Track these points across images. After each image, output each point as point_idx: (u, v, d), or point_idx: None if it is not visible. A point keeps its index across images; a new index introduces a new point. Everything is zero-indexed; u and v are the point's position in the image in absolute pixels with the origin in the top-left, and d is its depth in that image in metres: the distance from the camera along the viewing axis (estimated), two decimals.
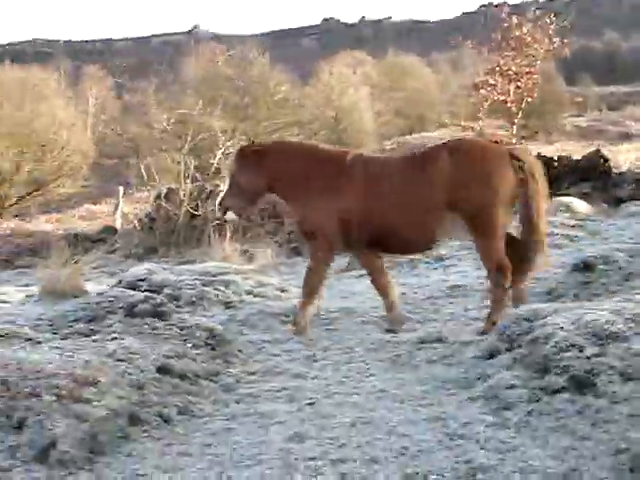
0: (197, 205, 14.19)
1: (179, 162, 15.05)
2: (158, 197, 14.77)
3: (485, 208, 6.97)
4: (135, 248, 13.10)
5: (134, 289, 8.51)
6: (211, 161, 15.37)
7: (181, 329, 6.77)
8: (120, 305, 6.90)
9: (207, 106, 16.50)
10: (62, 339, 6.42)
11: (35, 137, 42.41)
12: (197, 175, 14.81)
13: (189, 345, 6.55)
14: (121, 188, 22.45)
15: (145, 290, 8.12)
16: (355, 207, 7.24)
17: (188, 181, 14.42)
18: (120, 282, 8.70)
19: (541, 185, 7.12)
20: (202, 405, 5.81)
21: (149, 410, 5.53)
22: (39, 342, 6.33)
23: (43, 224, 17.50)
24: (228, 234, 12.12)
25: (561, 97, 58.53)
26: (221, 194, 8.02)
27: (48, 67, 55.33)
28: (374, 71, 66.52)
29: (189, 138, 15.23)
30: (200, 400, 5.88)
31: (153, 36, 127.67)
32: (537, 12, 18.17)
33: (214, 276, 9.08)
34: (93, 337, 6.40)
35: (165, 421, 5.49)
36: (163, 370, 6.06)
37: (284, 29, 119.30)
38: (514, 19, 18.13)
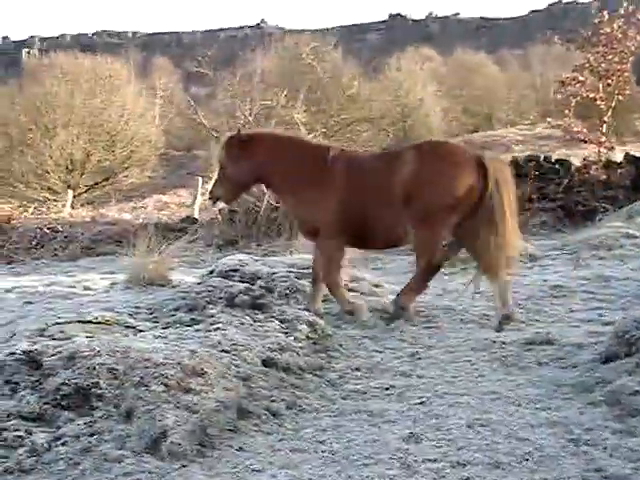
0: None
1: None
2: None
3: (433, 205, 7.12)
4: (215, 239, 13.01)
5: (226, 278, 8.40)
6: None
7: (282, 321, 6.63)
8: (220, 295, 6.78)
9: (288, 99, 16.35)
10: (163, 328, 6.33)
11: (105, 127, 42.85)
12: None
13: (291, 338, 6.39)
14: (200, 179, 22.49)
15: (238, 281, 7.98)
16: (337, 201, 7.41)
17: None
18: (212, 272, 8.57)
19: (506, 194, 7.12)
20: (309, 400, 5.65)
21: (257, 403, 5.40)
22: (141, 330, 6.24)
23: (120, 213, 17.54)
24: None
25: (634, 97, 57.14)
26: (211, 183, 8.10)
27: (118, 58, 55.95)
28: (442, 68, 65.89)
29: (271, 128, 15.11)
30: (306, 395, 5.73)
31: (220, 30, 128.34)
32: (630, 8, 17.62)
33: (306, 269, 8.91)
34: (195, 327, 6.29)
35: (274, 415, 5.35)
36: (268, 363, 5.93)
37: (350, 25, 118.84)
38: (605, 14, 17.63)
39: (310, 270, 7.97)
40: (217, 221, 14.90)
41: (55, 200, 33.37)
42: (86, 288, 10.59)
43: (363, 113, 29.59)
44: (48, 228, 14.99)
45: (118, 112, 43.38)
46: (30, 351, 5.58)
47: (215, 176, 7.96)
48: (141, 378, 5.25)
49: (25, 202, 24.98)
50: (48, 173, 36.58)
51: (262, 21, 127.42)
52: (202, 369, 5.41)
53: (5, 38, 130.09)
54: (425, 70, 59.08)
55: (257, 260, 8.89)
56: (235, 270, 8.36)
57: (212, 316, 6.45)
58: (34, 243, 14.72)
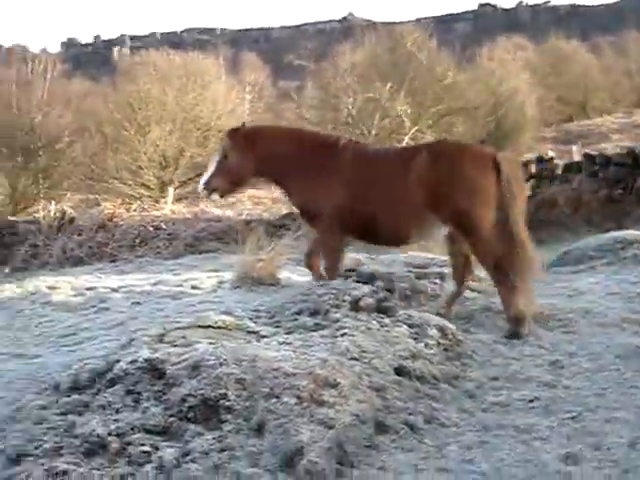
0: None
1: None
2: None
3: (469, 212, 6.89)
4: None
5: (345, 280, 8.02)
6: (398, 145, 14.78)
7: (410, 326, 6.20)
8: (344, 298, 6.38)
9: (391, 90, 15.90)
10: (287, 333, 5.97)
11: (197, 123, 43.10)
12: None
13: (421, 344, 5.96)
14: None
15: (355, 282, 7.59)
16: (345, 192, 7.32)
17: None
18: None
19: (518, 193, 7.02)
20: (447, 413, 5.23)
21: (394, 417, 5.01)
22: (264, 336, 5.90)
23: (220, 209, 17.39)
24: None
25: None
26: (206, 174, 7.79)
27: (207, 54, 56.31)
28: (534, 56, 64.37)
29: (376, 122, 14.70)
30: (444, 407, 5.31)
31: (307, 24, 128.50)
32: None
33: (424, 268, 8.48)
34: (321, 332, 5.92)
35: (412, 429, 4.96)
36: (401, 372, 5.53)
37: (439, 15, 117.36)
38: None
39: (429, 269, 7.57)
40: None
41: (149, 196, 33.64)
42: (194, 287, 10.36)
43: (459, 104, 28.85)
44: (151, 226, 14.91)
45: (210, 108, 43.57)
46: (152, 359, 5.30)
47: (212, 167, 7.77)
48: (271, 389, 4.92)
49: (125, 199, 25.16)
50: (142, 169, 36.92)
51: (349, 14, 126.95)
52: (335, 379, 5.05)
53: (96, 37, 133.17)
54: (517, 59, 57.77)
55: (372, 258, 8.48)
56: (351, 270, 7.98)
57: (337, 321, 6.07)
58: (137, 241, 14.67)
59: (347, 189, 7.32)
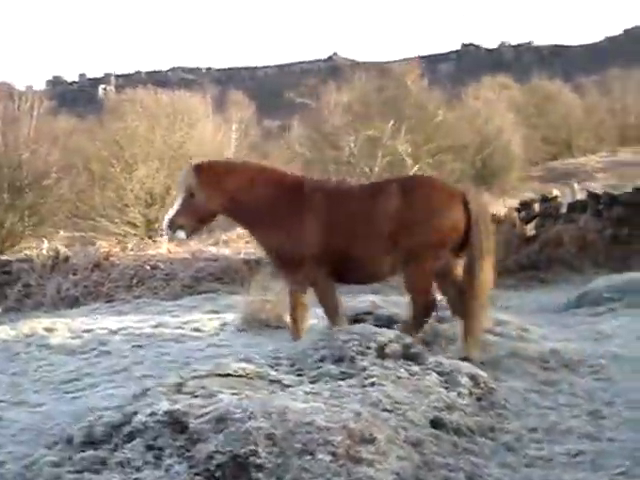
0: None
1: None
2: None
3: (422, 243, 6.92)
4: None
5: (358, 322, 7.72)
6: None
7: (440, 374, 5.88)
8: (368, 345, 6.06)
9: (392, 128, 15.73)
10: (311, 382, 5.63)
11: (184, 161, 42.74)
12: None
13: (453, 394, 5.64)
14: None
15: (374, 325, 7.28)
16: (315, 235, 7.13)
17: None
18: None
19: (485, 232, 7.01)
20: (488, 469, 4.89)
21: (435, 474, 4.69)
22: (288, 385, 5.56)
23: (216, 247, 17.06)
24: None
25: None
26: (171, 211, 7.38)
27: (194, 93, 56.23)
28: (519, 95, 64.92)
29: (378, 160, 14.50)
30: (484, 462, 4.97)
31: (293, 64, 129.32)
32: None
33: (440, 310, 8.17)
34: (348, 381, 5.58)
35: None
36: (437, 424, 5.21)
37: (422, 56, 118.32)
38: None
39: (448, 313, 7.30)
40: None
41: (135, 234, 33.31)
42: (195, 330, 10.03)
43: (447, 142, 28.79)
44: (148, 265, 14.55)
45: (197, 146, 43.39)
46: (173, 411, 4.95)
47: (176, 205, 7.37)
48: (304, 445, 4.58)
49: (118, 237, 24.71)
50: (128, 207, 36.59)
51: (334, 54, 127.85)
52: (370, 434, 4.71)
53: (82, 75, 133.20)
54: (502, 98, 58.17)
55: (386, 301, 8.18)
56: (368, 313, 7.69)
57: (364, 369, 5.74)
58: (134, 281, 14.30)
59: (322, 230, 7.14)
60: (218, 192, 7.27)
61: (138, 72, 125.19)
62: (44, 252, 16.16)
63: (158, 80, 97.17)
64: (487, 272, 6.97)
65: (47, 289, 14.22)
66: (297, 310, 7.39)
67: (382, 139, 14.42)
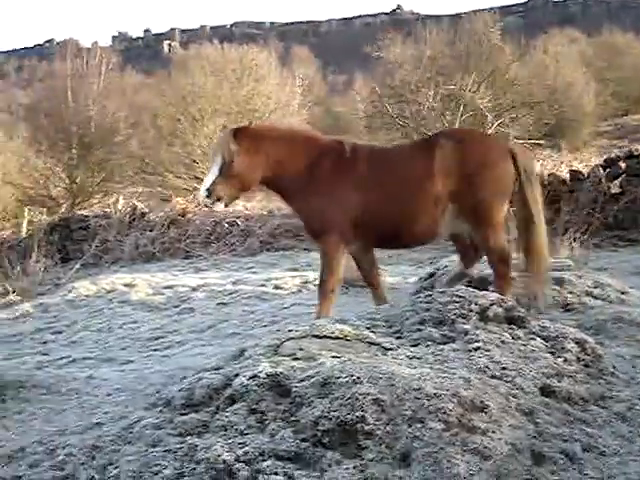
0: None
1: None
2: None
3: (490, 201, 6.82)
4: None
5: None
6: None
7: (545, 339, 5.63)
8: (470, 307, 5.82)
9: (474, 83, 15.28)
10: (412, 346, 5.43)
11: (252, 116, 42.76)
12: None
13: (560, 360, 5.39)
14: None
15: (467, 286, 7.03)
16: (361, 199, 6.88)
17: None
18: (432, 275, 7.70)
19: (535, 187, 7.01)
20: (603, 439, 4.63)
21: (550, 445, 4.44)
22: (388, 348, 5.36)
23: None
24: None
25: None
26: (208, 179, 6.87)
27: (259, 48, 55.96)
28: (588, 50, 63.09)
29: (460, 115, 14.10)
30: (598, 432, 4.71)
31: (355, 17, 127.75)
32: None
33: None
34: (451, 345, 5.36)
35: (570, 459, 4.37)
36: (547, 392, 4.96)
37: (488, 8, 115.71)
38: None
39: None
40: None
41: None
42: (277, 287, 9.94)
43: (520, 97, 28.02)
44: (225, 222, 14.46)
45: (264, 101, 43.28)
46: (275, 374, 4.81)
47: (214, 172, 6.86)
48: (413, 412, 4.38)
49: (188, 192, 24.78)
50: (196, 163, 36.68)
51: (398, 7, 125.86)
52: (482, 402, 4.50)
53: (146, 31, 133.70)
54: (571, 52, 56.61)
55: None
56: (461, 275, 7.43)
57: (466, 332, 5.51)
58: (211, 237, 14.24)
59: (365, 195, 6.89)
60: (260, 158, 6.91)
61: (202, 27, 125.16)
62: (120, 208, 16.23)
63: (222, 35, 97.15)
64: (543, 226, 7.03)
65: (125, 245, 14.27)
66: (365, 271, 7.38)
67: (463, 94, 13.96)
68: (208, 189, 6.80)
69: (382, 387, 4.55)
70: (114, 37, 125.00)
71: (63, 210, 27.17)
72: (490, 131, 13.71)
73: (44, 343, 8.67)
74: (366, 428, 4.32)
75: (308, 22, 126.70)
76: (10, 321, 10.08)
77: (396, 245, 7.80)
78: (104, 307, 9.93)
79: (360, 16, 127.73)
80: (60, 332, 9.13)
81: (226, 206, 7.11)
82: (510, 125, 13.38)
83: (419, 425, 4.33)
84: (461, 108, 14.19)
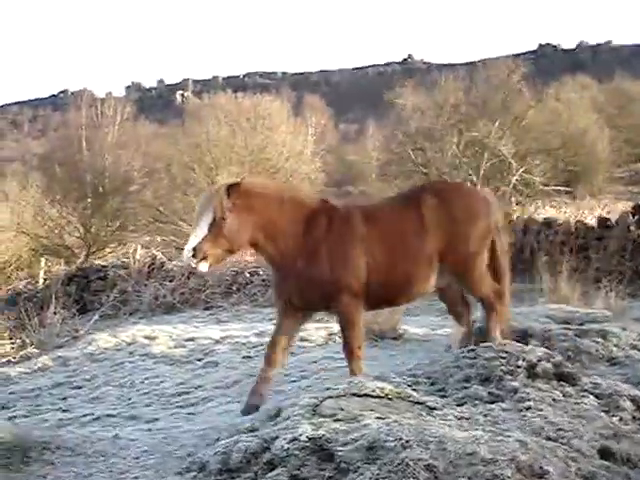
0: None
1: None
2: None
3: (474, 250, 6.84)
4: None
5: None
6: (503, 188, 13.95)
7: (598, 397, 5.32)
8: (517, 363, 5.53)
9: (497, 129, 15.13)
10: (458, 405, 5.13)
11: (265, 165, 42.94)
12: None
13: (615, 419, 5.08)
14: None
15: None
16: (366, 258, 6.57)
17: None
18: None
19: (504, 236, 7.23)
20: None
21: None
22: (433, 408, 5.07)
23: None
24: (564, 270, 10.57)
25: None
26: (194, 238, 6.27)
27: (272, 97, 56.28)
28: (600, 96, 63.30)
29: (484, 163, 13.91)
30: None
31: (367, 67, 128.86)
32: None
33: (570, 322, 7.61)
34: (500, 404, 5.06)
35: None
36: (605, 454, 4.64)
37: (497, 57, 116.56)
38: None
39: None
40: None
41: None
42: (302, 339, 9.60)
43: (538, 144, 27.89)
44: (247, 272, 14.23)
45: (278, 150, 43.43)
46: (316, 437, 4.52)
47: (201, 230, 6.28)
48: (469, 479, 4.08)
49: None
50: None
51: (409, 56, 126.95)
52: (541, 467, 4.19)
53: (160, 81, 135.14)
54: (583, 99, 56.75)
55: (518, 314, 7.63)
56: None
57: (515, 390, 5.22)
58: (233, 287, 13.99)
59: (368, 255, 6.58)
60: (253, 218, 6.42)
61: (215, 77, 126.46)
62: (138, 258, 16.03)
63: (235, 85, 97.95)
64: (509, 275, 7.30)
65: (144, 296, 14.04)
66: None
67: (488, 141, 13.80)
68: (194, 248, 6.22)
69: (434, 452, 4.26)
70: (127, 87, 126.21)
71: (81, 259, 27.02)
72: (514, 178, 13.46)
73: (64, 399, 8.37)
74: None
75: (320, 71, 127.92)
76: (28, 375, 9.80)
77: (390, 305, 7.51)
78: (125, 361, 9.65)
79: (372, 65, 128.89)
80: (80, 387, 8.84)
81: (210, 267, 6.43)
82: (534, 172, 13.20)
83: None
84: (485, 155, 13.98)
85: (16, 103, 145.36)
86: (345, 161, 70.36)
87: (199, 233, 6.27)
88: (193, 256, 6.23)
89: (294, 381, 7.77)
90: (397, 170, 31.18)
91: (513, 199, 13.46)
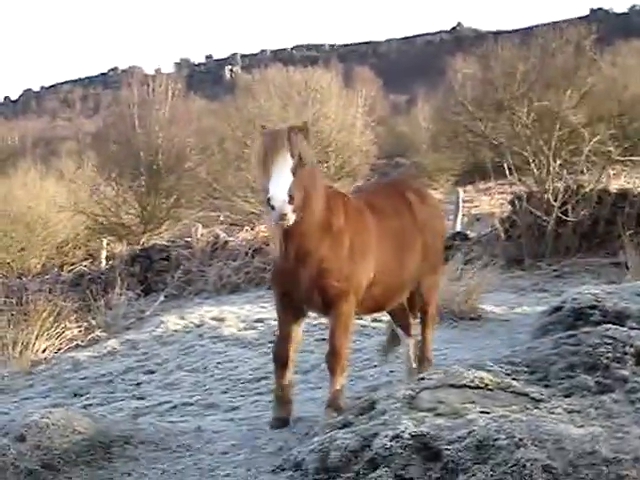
0: (567, 210, 12.35)
1: (539, 160, 13.26)
2: (518, 199, 13.11)
3: (440, 247, 6.78)
4: (496, 258, 11.44)
5: (580, 319, 6.83)
6: (575, 159, 13.45)
7: None
8: (624, 350, 5.18)
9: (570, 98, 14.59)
10: (566, 396, 4.79)
11: (318, 138, 42.55)
12: (564, 175, 12.96)
13: None
14: (461, 190, 21.11)
15: (600, 322, 6.40)
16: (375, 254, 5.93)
17: (556, 182, 12.59)
18: (559, 309, 7.04)
19: None
20: None
21: None
22: (538, 400, 4.74)
23: None
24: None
25: None
26: (281, 184, 5.20)
27: (321, 70, 55.84)
28: None
29: (556, 133, 13.41)
30: None
31: (415, 36, 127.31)
32: None
33: None
34: (611, 396, 4.72)
35: None
36: None
37: (550, 22, 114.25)
38: None
39: None
40: (496, 238, 13.34)
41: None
42: (375, 320, 9.36)
43: (599, 112, 26.97)
44: None
45: (329, 123, 43.03)
46: (420, 435, 4.23)
47: (286, 175, 5.27)
48: None
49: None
50: None
51: (458, 24, 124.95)
52: None
53: (208, 56, 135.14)
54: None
55: (610, 292, 7.24)
56: (592, 307, 6.78)
57: (625, 380, 4.87)
58: None
59: (376, 252, 5.94)
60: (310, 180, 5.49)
61: (263, 51, 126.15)
62: (200, 237, 15.88)
63: (282, 58, 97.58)
64: None
65: (208, 275, 13.86)
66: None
67: (560, 110, 13.34)
68: (290, 195, 5.22)
69: (551, 451, 3.96)
70: (176, 63, 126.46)
71: (142, 239, 27.05)
72: (587, 149, 12.96)
73: (138, 385, 8.22)
74: None
75: (368, 42, 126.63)
76: (98, 359, 9.68)
77: (379, 310, 6.72)
78: (195, 344, 9.47)
79: (420, 35, 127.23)
80: (152, 372, 8.68)
81: (299, 217, 5.35)
82: (609, 143, 12.72)
83: None
84: (557, 125, 13.50)
85: (67, 82, 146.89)
86: (395, 132, 69.74)
87: (284, 179, 5.25)
88: (290, 202, 5.18)
89: (375, 366, 7.52)
90: (456, 142, 30.59)
91: (585, 169, 12.94)
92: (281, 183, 5.21)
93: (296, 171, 5.28)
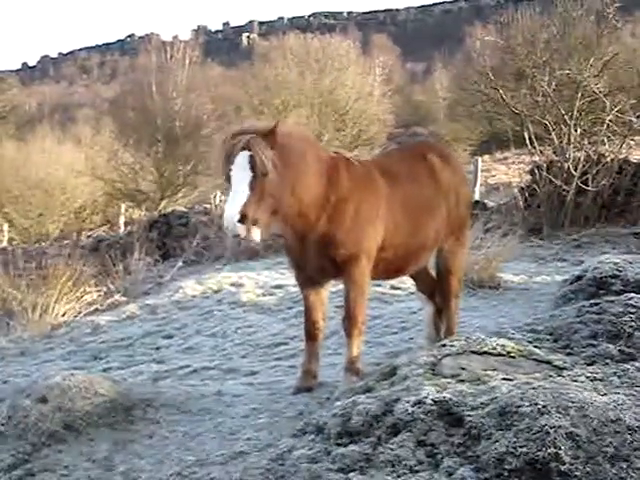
0: (587, 179, 12.28)
1: (559, 128, 13.13)
2: (538, 168, 13.02)
3: (466, 213, 6.68)
4: (514, 227, 11.39)
5: (602, 288, 6.79)
6: (595, 128, 13.32)
7: None
8: None
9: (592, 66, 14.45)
10: (589, 365, 4.76)
11: (334, 106, 42.55)
12: (584, 144, 12.85)
13: None
14: (479, 159, 20.98)
15: (621, 291, 6.36)
16: (386, 219, 5.86)
17: (577, 152, 12.51)
18: (580, 277, 6.99)
19: None
20: None
21: None
22: (562, 368, 4.72)
23: None
24: None
25: None
26: (236, 200, 5.00)
27: (339, 38, 55.55)
28: None
29: (577, 102, 13.30)
30: None
31: (434, 4, 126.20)
32: None
33: None
34: (635, 364, 4.68)
35: None
36: None
37: None
38: None
39: None
40: (516, 207, 13.28)
41: None
42: (393, 287, 9.36)
43: (619, 81, 26.70)
44: None
45: (346, 91, 42.94)
46: (443, 400, 4.22)
47: (241, 188, 5.02)
48: (615, 449, 3.75)
49: None
50: None
51: None
52: None
53: (225, 24, 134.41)
54: None
55: (631, 262, 7.17)
56: (614, 276, 6.73)
57: None
58: None
59: (389, 215, 5.87)
60: (286, 171, 5.25)
61: (280, 18, 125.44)
62: (220, 203, 15.88)
63: (300, 26, 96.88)
64: None
65: (227, 242, 13.88)
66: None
67: (581, 79, 13.19)
68: (242, 212, 4.97)
69: (575, 418, 3.92)
70: (194, 30, 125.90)
71: (161, 205, 27.15)
72: (608, 118, 12.85)
73: (157, 349, 8.27)
74: (562, 468, 3.70)
75: (385, 10, 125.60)
76: (117, 323, 9.74)
77: (396, 274, 6.66)
78: (214, 309, 9.51)
79: (438, 3, 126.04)
80: (171, 336, 8.72)
81: (265, 231, 5.24)
82: (630, 112, 12.58)
83: (624, 465, 3.70)
84: (579, 94, 13.38)
85: (84, 49, 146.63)
86: (412, 101, 69.40)
87: (240, 194, 5.02)
88: (240, 221, 4.96)
89: (395, 333, 7.51)
90: (474, 111, 30.37)
91: (606, 139, 12.83)
92: (236, 201, 5.01)
93: (256, 185, 5.04)
